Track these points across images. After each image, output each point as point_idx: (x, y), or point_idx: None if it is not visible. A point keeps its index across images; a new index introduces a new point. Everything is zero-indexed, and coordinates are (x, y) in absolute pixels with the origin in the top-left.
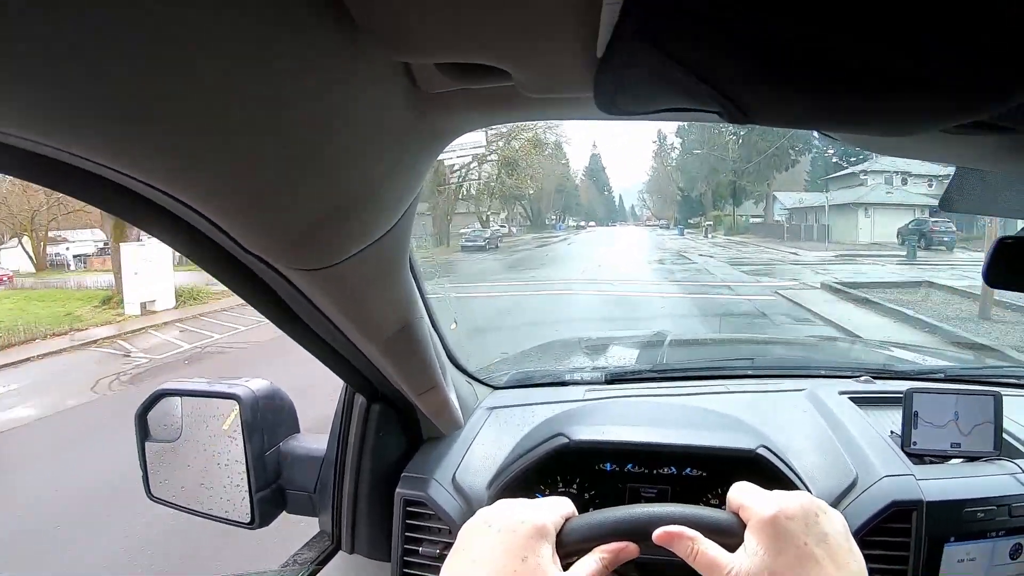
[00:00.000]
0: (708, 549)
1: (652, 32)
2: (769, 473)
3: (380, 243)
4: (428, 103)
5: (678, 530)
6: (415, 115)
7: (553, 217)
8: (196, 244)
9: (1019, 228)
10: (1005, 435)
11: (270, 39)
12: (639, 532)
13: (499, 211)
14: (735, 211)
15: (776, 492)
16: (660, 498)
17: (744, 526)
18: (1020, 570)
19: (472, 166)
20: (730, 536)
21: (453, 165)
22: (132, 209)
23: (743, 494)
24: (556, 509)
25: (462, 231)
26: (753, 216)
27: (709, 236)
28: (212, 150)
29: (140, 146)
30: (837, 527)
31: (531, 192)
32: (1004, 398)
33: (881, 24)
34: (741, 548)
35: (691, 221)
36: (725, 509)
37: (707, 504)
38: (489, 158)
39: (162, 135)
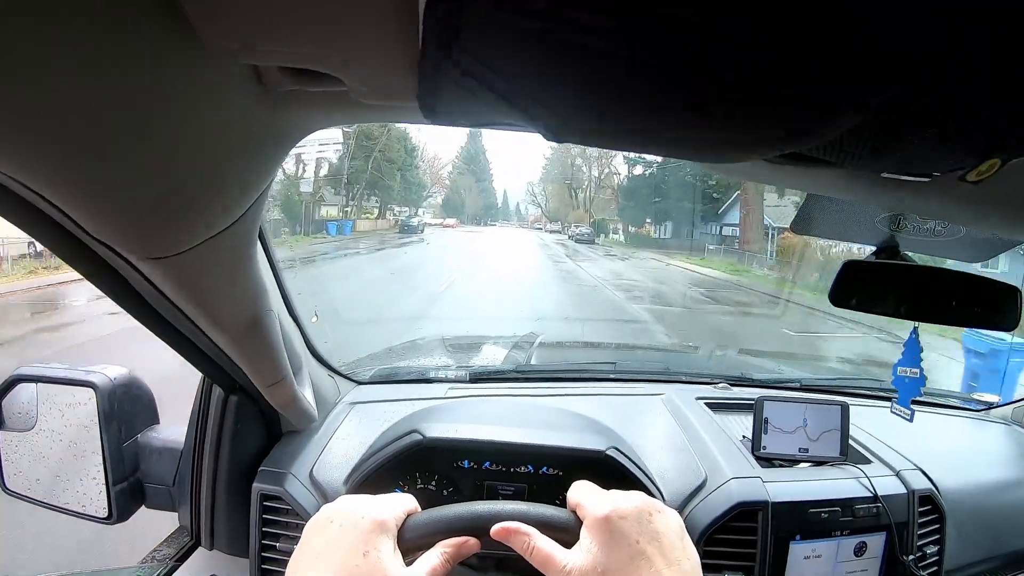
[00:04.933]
0: (544, 545)
1: (451, 46)
2: (619, 473)
3: (225, 234)
4: (273, 102)
5: (514, 526)
6: (260, 112)
7: (340, 205)
8: (42, 227)
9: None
10: (851, 442)
11: (107, 31)
12: (478, 528)
13: None
14: None
15: (613, 492)
16: (516, 496)
17: (580, 524)
18: (864, 566)
19: None
20: (566, 533)
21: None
22: None
23: (581, 493)
24: (398, 505)
25: None
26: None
27: None
28: (44, 128)
29: None
30: (671, 526)
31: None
32: (851, 407)
33: (685, 51)
34: (577, 545)
35: (632, 230)
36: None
37: (561, 502)
38: None
39: None
